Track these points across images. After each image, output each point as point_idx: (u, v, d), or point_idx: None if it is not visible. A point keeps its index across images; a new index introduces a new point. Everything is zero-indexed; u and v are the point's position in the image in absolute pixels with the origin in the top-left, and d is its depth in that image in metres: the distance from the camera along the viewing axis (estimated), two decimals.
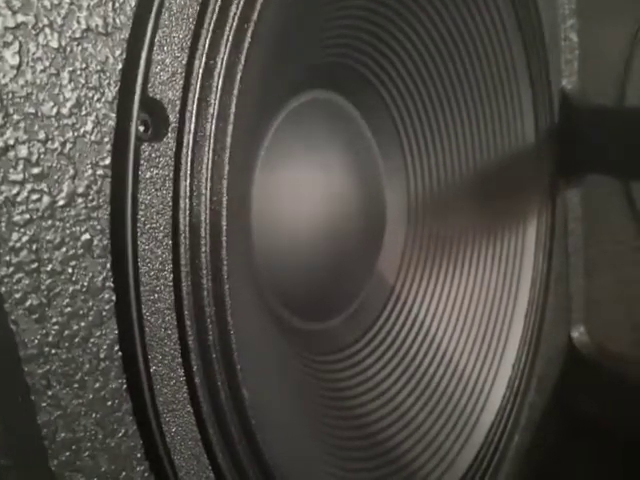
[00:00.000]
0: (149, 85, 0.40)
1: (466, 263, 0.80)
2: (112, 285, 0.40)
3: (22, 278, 0.36)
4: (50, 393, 0.37)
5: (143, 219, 0.40)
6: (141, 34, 0.40)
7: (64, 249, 0.38)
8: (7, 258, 0.35)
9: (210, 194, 0.43)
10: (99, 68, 0.38)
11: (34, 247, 0.36)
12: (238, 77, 0.44)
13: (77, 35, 0.37)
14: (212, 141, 0.43)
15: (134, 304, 0.40)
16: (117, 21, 0.39)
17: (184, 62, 0.42)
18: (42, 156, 0.36)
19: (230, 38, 0.44)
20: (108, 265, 0.39)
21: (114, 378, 0.40)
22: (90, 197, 0.38)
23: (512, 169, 0.80)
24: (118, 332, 0.40)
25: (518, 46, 0.76)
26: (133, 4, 0.39)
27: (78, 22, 0.37)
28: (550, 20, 0.79)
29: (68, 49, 0.37)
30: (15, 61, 0.35)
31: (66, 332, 0.38)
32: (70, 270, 0.38)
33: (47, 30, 0.36)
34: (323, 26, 0.64)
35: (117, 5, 0.39)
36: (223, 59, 0.44)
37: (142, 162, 0.40)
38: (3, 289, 0.35)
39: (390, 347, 0.76)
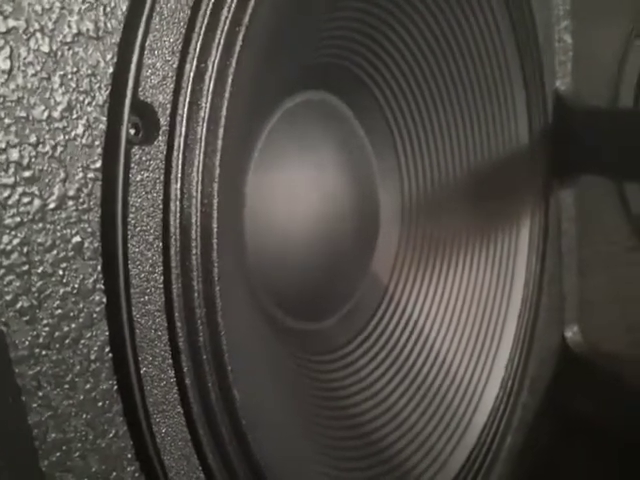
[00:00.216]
0: (140, 89, 0.40)
1: (460, 263, 0.80)
2: (103, 287, 0.40)
3: (13, 280, 0.36)
4: (41, 394, 0.38)
5: (133, 222, 0.41)
6: (132, 38, 0.40)
7: (55, 251, 0.38)
8: None
9: (201, 196, 0.44)
10: (90, 72, 0.38)
11: (25, 250, 0.37)
12: (229, 80, 0.45)
13: (68, 39, 0.37)
14: (203, 144, 0.44)
15: (124, 306, 0.40)
16: (108, 25, 0.39)
17: (175, 66, 0.42)
18: (33, 159, 0.37)
19: (221, 41, 0.44)
20: (99, 267, 0.40)
21: (105, 379, 0.40)
22: (81, 200, 0.39)
23: (506, 170, 0.80)
24: (109, 334, 0.40)
25: (512, 47, 0.76)
26: (124, 8, 0.39)
27: (69, 26, 0.37)
28: (544, 21, 0.79)
29: (59, 53, 0.37)
30: (6, 65, 0.35)
31: (57, 334, 0.38)
32: (61, 272, 0.38)
33: (38, 35, 0.36)
34: (316, 27, 0.64)
35: (108, 9, 0.39)
36: (214, 62, 0.44)
37: (133, 165, 0.40)
38: None
39: (384, 347, 0.76)
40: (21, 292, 0.37)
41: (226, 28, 0.44)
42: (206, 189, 0.44)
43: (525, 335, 0.80)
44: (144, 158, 0.41)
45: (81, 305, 0.39)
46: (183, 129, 0.43)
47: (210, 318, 0.44)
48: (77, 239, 0.39)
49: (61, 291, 0.38)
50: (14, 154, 0.36)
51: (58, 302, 0.38)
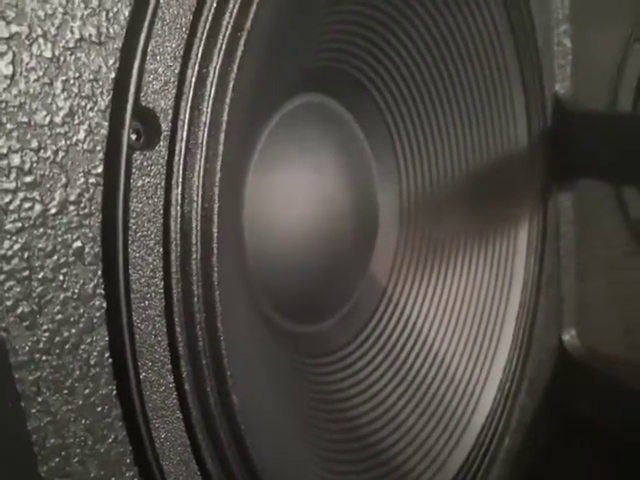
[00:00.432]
0: (142, 94, 0.40)
1: (458, 265, 0.80)
2: (103, 292, 0.40)
3: (13, 286, 0.36)
4: (40, 399, 0.38)
5: (134, 227, 0.41)
6: (134, 43, 0.40)
7: (55, 257, 0.38)
8: None
9: (202, 201, 0.44)
10: (92, 77, 0.38)
11: (26, 255, 0.37)
12: (231, 85, 0.45)
13: (70, 45, 0.37)
14: (204, 149, 0.44)
15: (124, 311, 0.40)
16: (110, 31, 0.39)
17: (177, 71, 0.42)
18: (35, 165, 0.37)
19: (223, 47, 0.44)
20: (99, 272, 0.40)
21: (104, 384, 0.40)
22: (82, 205, 0.39)
23: (504, 173, 0.80)
24: (108, 339, 0.40)
25: (511, 51, 0.76)
26: (126, 14, 0.39)
27: (72, 32, 0.37)
28: (543, 25, 0.79)
29: (61, 59, 0.37)
30: (9, 71, 0.35)
31: (57, 339, 0.38)
32: (61, 277, 0.38)
33: (41, 40, 0.36)
34: (317, 31, 0.64)
35: (110, 15, 0.39)
36: (216, 68, 0.44)
37: (134, 170, 0.40)
38: None
39: (382, 349, 0.76)
40: (21, 297, 0.37)
41: (228, 33, 0.44)
42: (207, 194, 0.44)
43: (523, 337, 0.80)
44: (145, 163, 0.41)
45: (81, 310, 0.39)
46: (184, 134, 0.43)
47: (210, 323, 0.44)
48: (78, 244, 0.39)
49: (61, 296, 0.38)
50: (16, 159, 0.36)
51: (58, 307, 0.38)
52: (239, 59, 0.45)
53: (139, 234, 0.41)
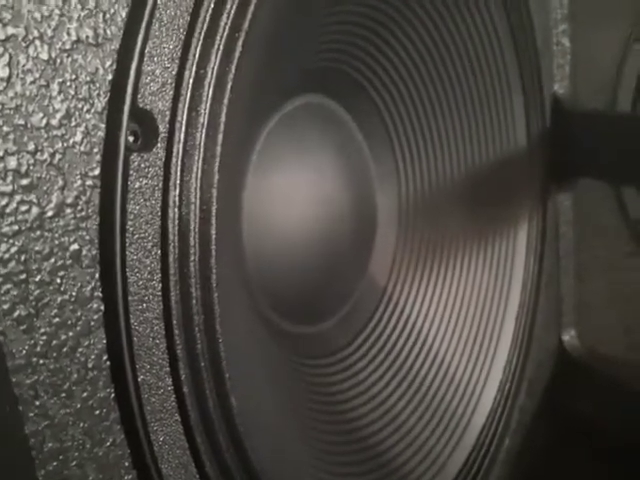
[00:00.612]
0: (139, 96, 0.40)
1: (457, 266, 0.80)
2: (101, 295, 0.40)
3: (10, 289, 0.36)
4: (38, 403, 0.37)
5: (132, 229, 0.40)
6: (131, 45, 0.40)
7: (53, 259, 0.38)
8: None
9: (200, 203, 0.43)
10: (89, 79, 0.38)
11: (23, 258, 0.36)
12: (229, 86, 0.44)
13: (67, 46, 0.37)
14: (202, 150, 0.43)
15: (122, 314, 0.40)
16: (107, 32, 0.39)
17: (174, 72, 0.42)
18: (31, 167, 0.36)
19: (221, 47, 0.44)
20: (97, 275, 0.39)
21: (102, 387, 0.40)
22: (79, 207, 0.38)
23: (504, 173, 0.80)
24: (106, 342, 0.40)
25: (510, 51, 0.76)
26: (124, 15, 0.39)
27: (68, 33, 0.37)
28: (542, 25, 0.79)
29: (58, 61, 0.37)
30: (5, 73, 0.35)
31: (54, 342, 0.38)
32: (59, 280, 0.38)
33: (37, 42, 0.36)
34: (316, 32, 0.64)
35: (107, 16, 0.39)
36: (214, 68, 0.44)
37: (131, 172, 0.40)
38: None
39: (381, 350, 0.76)
40: (18, 301, 0.36)
41: (225, 34, 0.44)
42: (205, 195, 0.44)
43: (523, 337, 0.80)
44: (143, 165, 0.41)
45: (79, 313, 0.39)
46: (182, 136, 0.42)
47: (208, 325, 0.44)
48: (75, 247, 0.38)
49: (59, 299, 0.38)
50: (12, 162, 0.36)
51: (56, 310, 0.38)
52: (237, 60, 0.45)
53: (137, 236, 0.41)
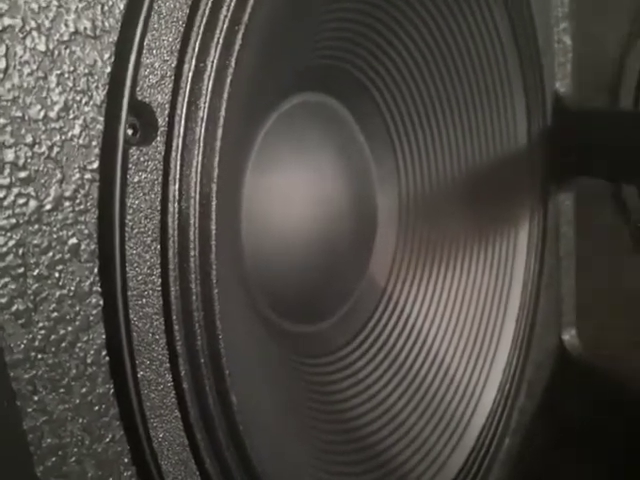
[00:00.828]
0: (138, 88, 0.40)
1: (458, 266, 0.80)
2: (99, 290, 0.39)
3: (8, 283, 0.36)
4: (36, 398, 0.37)
5: (131, 223, 0.40)
6: (130, 37, 0.39)
7: (51, 253, 0.37)
8: None
9: (199, 198, 0.43)
10: (87, 71, 0.38)
11: (20, 252, 0.36)
12: (228, 80, 0.44)
13: (65, 38, 0.37)
14: (201, 144, 0.43)
15: (122, 309, 0.40)
16: (106, 24, 0.38)
17: (173, 65, 0.42)
18: (29, 160, 0.36)
19: (220, 41, 0.44)
20: (95, 270, 0.39)
21: (101, 383, 0.40)
22: (77, 201, 0.38)
23: (505, 172, 0.80)
24: (105, 337, 0.40)
25: (512, 50, 0.76)
26: (122, 7, 0.39)
27: (66, 25, 0.37)
28: (543, 23, 0.79)
29: (56, 52, 0.37)
30: (2, 64, 0.35)
31: (53, 337, 0.38)
32: (57, 275, 0.38)
33: (34, 33, 0.36)
34: (317, 28, 0.64)
35: (106, 8, 0.38)
36: (213, 62, 0.43)
37: (130, 166, 0.40)
38: None
39: (381, 350, 0.76)
40: (16, 295, 0.36)
41: (225, 27, 0.44)
42: (204, 190, 0.43)
43: (523, 338, 0.80)
44: (142, 159, 0.40)
45: (77, 308, 0.38)
46: (181, 129, 0.42)
47: (208, 321, 0.44)
48: (73, 241, 0.38)
49: (57, 294, 0.38)
50: (9, 155, 0.35)
51: (54, 305, 0.38)
52: (237, 54, 0.44)
53: (136, 231, 0.40)
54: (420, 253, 0.80)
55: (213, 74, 0.43)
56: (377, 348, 0.76)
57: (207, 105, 0.43)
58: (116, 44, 0.39)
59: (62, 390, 0.38)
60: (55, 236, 0.37)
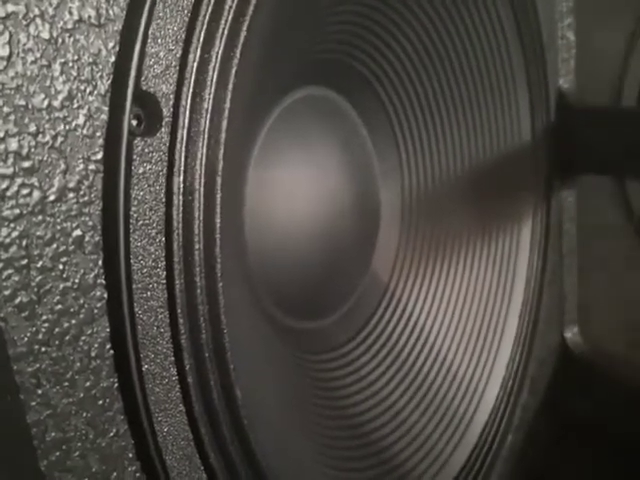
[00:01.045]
0: (142, 78, 0.39)
1: (461, 262, 0.79)
2: (104, 282, 0.39)
3: (12, 274, 0.35)
4: (40, 392, 0.37)
5: (136, 215, 0.40)
6: (135, 26, 0.39)
7: (55, 245, 0.37)
8: None
9: (204, 190, 0.43)
10: (91, 60, 0.37)
11: (24, 243, 0.36)
12: (233, 72, 0.44)
13: (69, 26, 0.36)
14: (206, 136, 0.43)
15: (126, 302, 0.39)
16: (110, 12, 0.38)
17: (178, 55, 0.41)
18: (33, 150, 0.36)
19: (225, 31, 0.43)
20: (100, 262, 0.39)
21: (105, 377, 0.39)
22: (82, 192, 0.38)
23: (508, 168, 0.80)
24: (110, 330, 0.39)
25: (516, 45, 0.75)
26: None
27: (70, 13, 0.36)
28: (548, 18, 0.78)
29: (60, 40, 0.36)
30: (5, 52, 0.34)
31: (56, 330, 0.37)
32: (61, 267, 0.37)
33: (38, 20, 0.35)
34: (321, 22, 0.64)
35: None
36: (218, 53, 0.43)
37: (135, 157, 0.39)
38: None
39: (384, 346, 0.76)
40: (20, 287, 0.36)
41: (230, 18, 0.43)
42: (209, 182, 0.43)
43: (526, 335, 0.80)
44: (146, 150, 0.40)
45: (81, 301, 0.38)
46: (186, 121, 0.42)
47: (213, 315, 0.44)
48: (78, 232, 0.38)
49: (61, 286, 0.37)
50: (13, 144, 0.35)
51: (58, 297, 0.37)
52: (242, 45, 0.44)
53: (140, 223, 0.40)
54: (423, 249, 0.79)
55: (218, 65, 0.43)
56: (380, 344, 0.76)
57: (212, 96, 0.43)
58: (121, 33, 0.38)
59: (66, 384, 0.38)
60: (59, 227, 0.37)
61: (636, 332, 0.92)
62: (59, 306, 0.37)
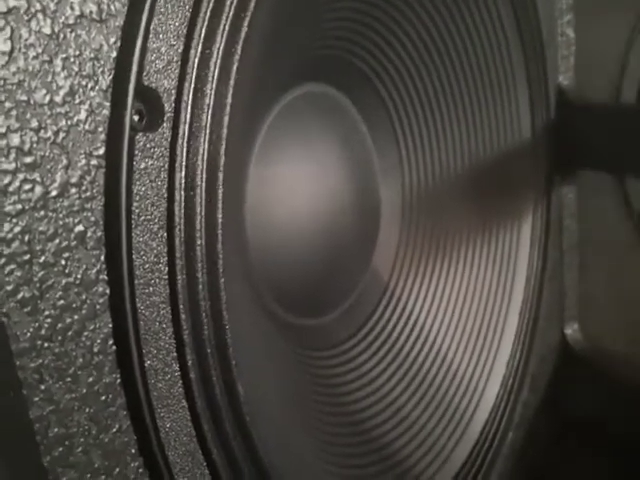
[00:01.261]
0: (144, 74, 0.39)
1: (461, 259, 0.79)
2: (106, 278, 0.39)
3: (14, 270, 0.35)
4: (43, 387, 0.37)
5: (138, 211, 0.40)
6: (136, 21, 0.39)
7: (57, 240, 0.37)
8: None
9: (206, 186, 0.43)
10: (93, 56, 0.37)
11: (26, 238, 0.36)
12: (234, 67, 0.44)
13: (70, 21, 0.36)
14: (208, 132, 0.43)
15: (128, 297, 0.39)
16: (112, 8, 0.38)
17: (180, 50, 0.41)
18: (35, 145, 0.36)
19: (227, 27, 0.43)
20: (102, 257, 0.39)
21: (108, 372, 0.39)
22: (84, 188, 0.38)
23: (508, 165, 0.80)
24: (112, 326, 0.39)
25: (516, 42, 0.75)
26: None
27: (72, 8, 0.36)
28: (548, 15, 0.78)
29: (61, 35, 0.36)
30: (7, 47, 0.34)
31: (59, 325, 0.37)
32: (63, 262, 0.37)
33: (40, 15, 0.35)
34: (321, 18, 0.64)
35: None
36: (219, 48, 0.43)
37: (137, 152, 0.39)
38: None
39: (385, 343, 0.76)
40: (22, 282, 0.36)
41: (231, 13, 0.43)
42: (211, 178, 0.43)
43: (526, 332, 0.80)
44: (148, 145, 0.40)
45: (84, 296, 0.38)
46: (188, 116, 0.42)
47: (215, 310, 0.44)
48: (80, 228, 0.38)
49: (63, 282, 0.37)
50: (15, 139, 0.35)
51: (60, 293, 0.37)
52: (243, 40, 0.44)
53: (142, 218, 0.40)
54: (423, 246, 0.79)
55: (219, 61, 0.43)
56: (380, 342, 0.76)
57: (213, 92, 0.43)
58: (122, 28, 0.38)
59: (69, 379, 0.38)
60: (61, 223, 0.37)
61: (636, 329, 0.92)
62: (61, 301, 0.37)
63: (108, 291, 0.39)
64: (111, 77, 0.38)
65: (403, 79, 0.74)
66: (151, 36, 0.39)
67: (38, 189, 0.36)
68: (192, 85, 0.42)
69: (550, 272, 0.83)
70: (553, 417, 0.87)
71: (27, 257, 0.36)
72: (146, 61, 0.39)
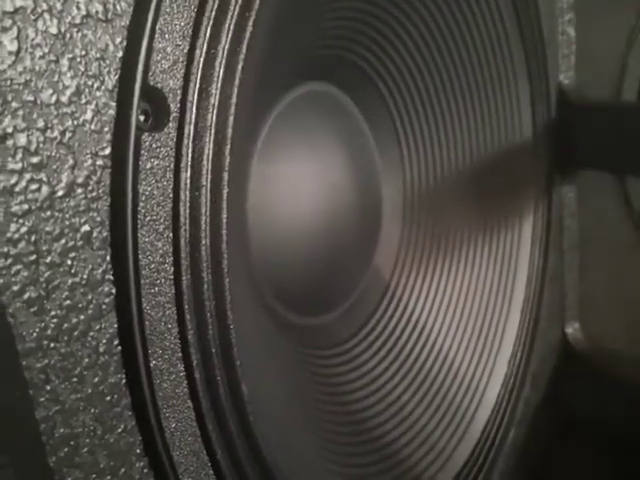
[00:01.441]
0: (150, 74, 0.39)
1: (462, 258, 0.79)
2: (112, 278, 0.39)
3: (20, 270, 0.35)
4: (49, 388, 0.37)
5: (143, 211, 0.40)
6: (142, 21, 0.39)
7: (63, 241, 0.37)
8: (5, 249, 0.35)
9: (211, 186, 0.43)
10: (99, 55, 0.37)
11: (33, 238, 0.36)
12: (239, 67, 0.44)
13: (77, 21, 0.36)
14: (213, 132, 0.43)
15: (134, 297, 0.39)
16: (117, 7, 0.38)
17: (185, 50, 0.41)
18: (41, 145, 0.36)
19: (231, 27, 0.43)
20: (108, 257, 0.39)
21: (113, 373, 0.39)
22: (90, 188, 0.38)
23: (509, 164, 0.80)
24: (118, 326, 0.39)
25: (516, 40, 0.75)
26: None
27: (78, 8, 0.36)
28: (548, 13, 0.78)
29: (67, 35, 0.36)
30: (14, 47, 0.34)
31: (65, 325, 0.37)
32: (69, 262, 0.37)
33: (46, 15, 0.35)
34: (324, 17, 0.64)
35: None
36: (224, 48, 0.43)
37: (142, 152, 0.39)
38: (1, 281, 0.35)
39: (386, 343, 0.76)
40: (29, 282, 0.36)
41: (236, 13, 0.43)
42: (216, 178, 0.43)
43: (527, 331, 0.80)
44: (154, 145, 0.40)
45: (90, 296, 0.38)
46: (193, 116, 0.42)
47: (219, 311, 0.43)
48: (86, 228, 0.38)
49: (69, 282, 0.37)
50: (22, 139, 0.35)
51: (66, 293, 0.37)
52: (247, 40, 0.44)
53: (148, 218, 0.40)
54: (425, 245, 0.79)
55: (224, 61, 0.43)
56: (382, 341, 0.76)
57: (218, 92, 0.43)
58: (128, 28, 0.38)
59: (74, 379, 0.38)
60: (67, 223, 0.37)
61: (637, 328, 0.92)
62: (68, 302, 0.37)
63: (114, 291, 0.39)
64: (117, 77, 0.38)
65: (404, 78, 0.74)
66: (157, 36, 0.39)
67: (44, 189, 0.36)
68: (197, 85, 0.42)
69: (551, 271, 0.83)
70: (554, 415, 0.87)
71: (33, 257, 0.36)
72: (152, 61, 0.39)
